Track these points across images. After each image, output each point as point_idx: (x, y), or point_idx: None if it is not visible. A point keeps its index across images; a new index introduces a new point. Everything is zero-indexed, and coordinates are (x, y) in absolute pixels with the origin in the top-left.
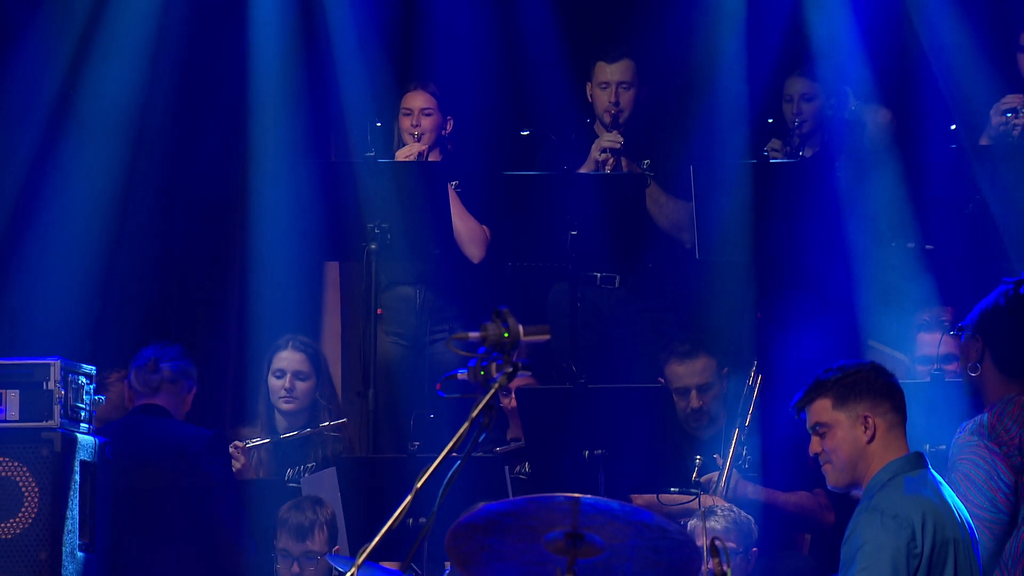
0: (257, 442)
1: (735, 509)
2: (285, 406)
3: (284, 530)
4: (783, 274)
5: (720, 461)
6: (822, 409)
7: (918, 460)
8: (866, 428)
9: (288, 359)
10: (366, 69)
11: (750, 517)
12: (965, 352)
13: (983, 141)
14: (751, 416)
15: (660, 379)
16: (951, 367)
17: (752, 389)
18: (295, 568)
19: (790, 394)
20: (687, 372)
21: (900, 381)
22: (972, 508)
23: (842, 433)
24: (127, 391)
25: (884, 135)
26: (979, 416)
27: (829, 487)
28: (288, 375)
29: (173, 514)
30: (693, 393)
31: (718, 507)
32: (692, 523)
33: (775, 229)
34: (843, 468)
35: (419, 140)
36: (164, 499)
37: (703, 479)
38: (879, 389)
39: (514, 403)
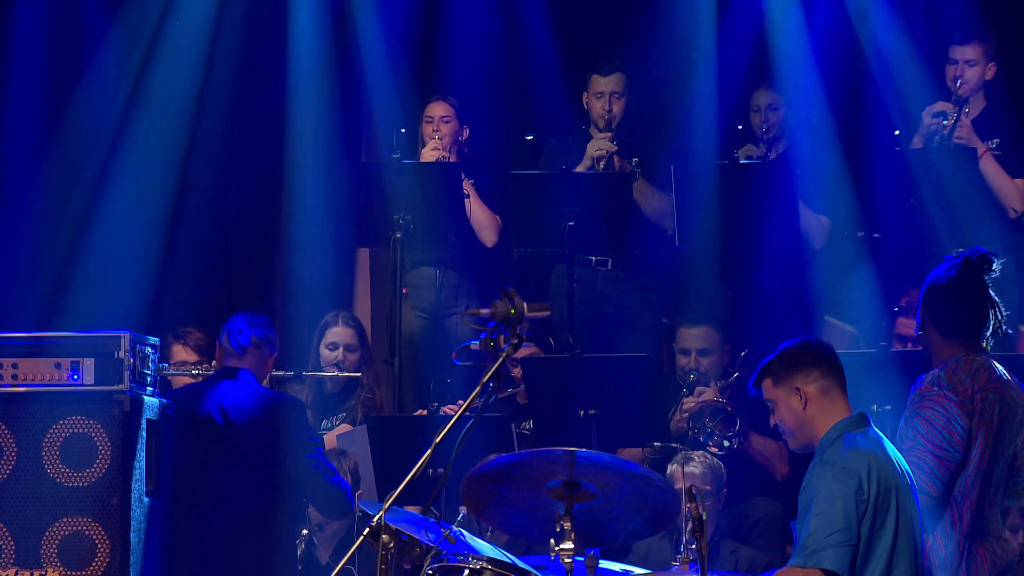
0: (279, 374)
1: (708, 455)
2: (335, 373)
3: None
4: (751, 258)
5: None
6: (767, 388)
7: (862, 419)
8: (800, 397)
9: (340, 334)
10: (392, 82)
11: (720, 463)
12: (917, 319)
13: (915, 142)
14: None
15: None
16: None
17: (739, 361)
18: None
19: (758, 360)
20: (691, 336)
21: (849, 351)
22: (932, 447)
23: (783, 406)
24: (218, 351)
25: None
26: (936, 370)
27: (792, 450)
28: (341, 348)
29: (247, 466)
30: (693, 354)
31: (694, 454)
32: (671, 468)
33: (744, 220)
34: (793, 435)
35: (439, 143)
36: (240, 452)
37: (696, 391)
38: (807, 361)
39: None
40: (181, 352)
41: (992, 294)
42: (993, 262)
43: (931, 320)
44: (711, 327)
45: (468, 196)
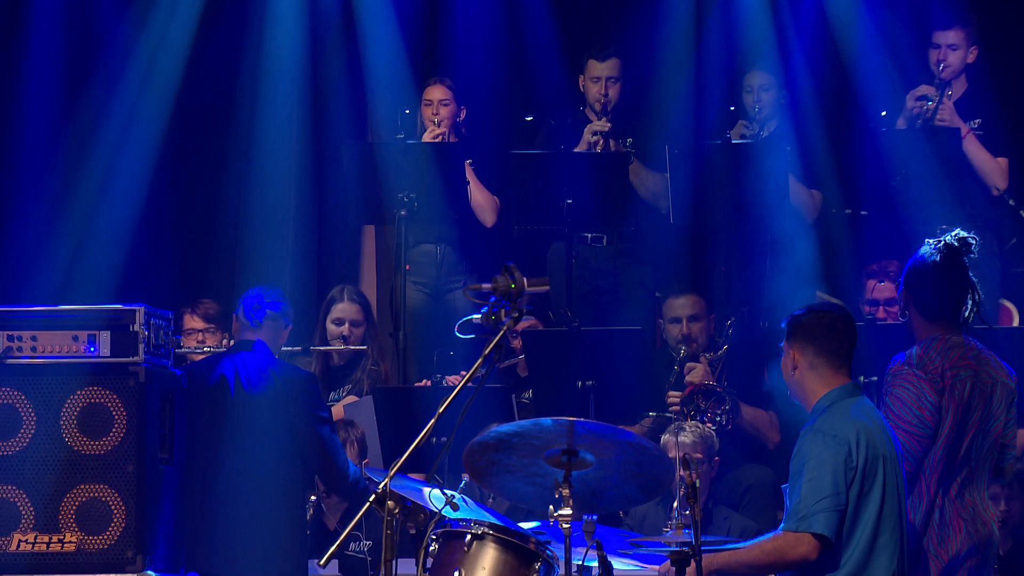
0: (288, 348)
1: (700, 425)
2: (343, 347)
3: None
4: (743, 235)
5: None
6: (785, 336)
7: (854, 389)
8: (791, 361)
9: (345, 310)
10: (397, 66)
11: (712, 432)
12: (900, 301)
13: (900, 124)
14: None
15: (660, 320)
16: (885, 310)
17: (727, 331)
18: None
19: (744, 329)
20: (680, 305)
21: None
22: (903, 424)
23: (783, 360)
24: (234, 324)
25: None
26: (910, 349)
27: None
28: (346, 323)
29: (261, 433)
30: (684, 322)
31: (686, 424)
32: (665, 438)
33: (737, 198)
34: (787, 385)
35: (439, 127)
36: (255, 420)
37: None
38: (810, 334)
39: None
40: (189, 320)
41: (971, 276)
42: (972, 245)
43: (913, 302)
44: (697, 295)
45: (468, 183)
